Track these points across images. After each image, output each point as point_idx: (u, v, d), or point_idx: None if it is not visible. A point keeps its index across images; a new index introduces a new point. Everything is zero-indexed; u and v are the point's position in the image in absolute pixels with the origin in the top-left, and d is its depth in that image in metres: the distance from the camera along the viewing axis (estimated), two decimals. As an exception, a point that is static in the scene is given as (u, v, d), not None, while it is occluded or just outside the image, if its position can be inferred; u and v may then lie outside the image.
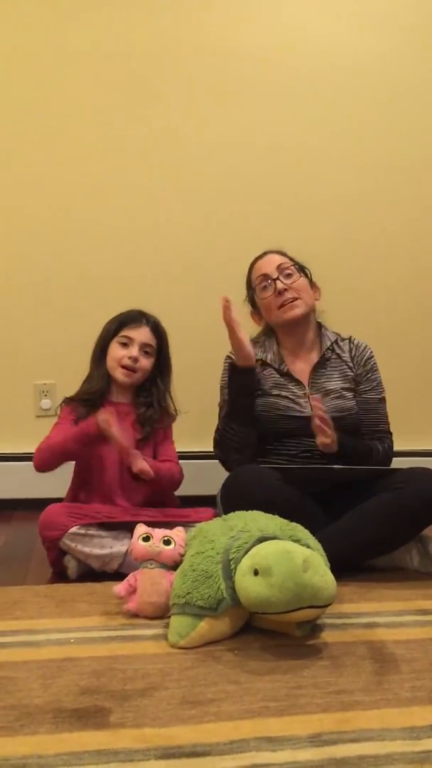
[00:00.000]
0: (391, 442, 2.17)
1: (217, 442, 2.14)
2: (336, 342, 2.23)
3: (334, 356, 2.21)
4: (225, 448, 2.12)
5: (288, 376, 2.16)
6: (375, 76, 2.83)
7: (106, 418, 1.94)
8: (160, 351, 2.17)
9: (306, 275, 2.20)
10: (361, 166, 2.84)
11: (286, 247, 2.24)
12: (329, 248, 2.77)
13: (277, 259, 2.18)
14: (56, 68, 2.70)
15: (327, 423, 1.95)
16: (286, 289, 2.14)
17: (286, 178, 2.80)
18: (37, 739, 1.10)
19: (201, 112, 2.75)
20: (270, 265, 2.17)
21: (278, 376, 2.16)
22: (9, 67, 2.69)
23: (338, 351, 2.21)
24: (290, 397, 2.12)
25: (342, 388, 2.15)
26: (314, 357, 2.20)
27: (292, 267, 2.17)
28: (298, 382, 2.15)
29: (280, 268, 2.16)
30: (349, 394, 2.14)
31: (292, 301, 2.14)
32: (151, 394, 2.16)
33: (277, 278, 2.14)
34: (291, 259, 2.21)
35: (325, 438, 1.96)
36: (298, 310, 2.15)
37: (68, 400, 2.16)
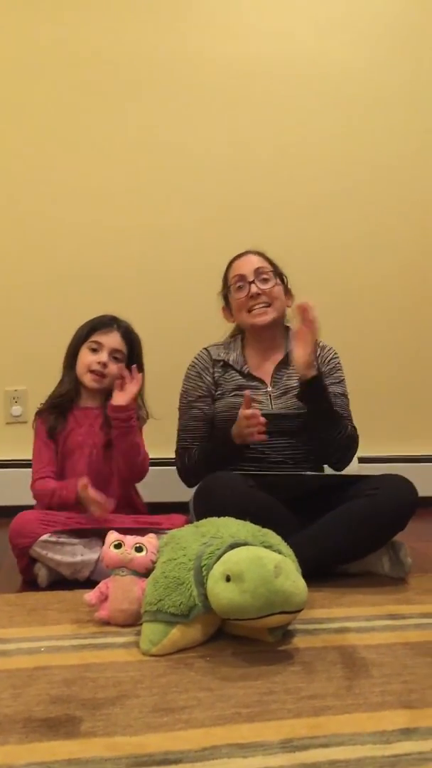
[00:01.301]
0: (356, 431, 2.15)
1: (182, 462, 2.15)
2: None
3: None
4: (186, 472, 2.15)
5: (249, 376, 2.17)
6: (364, 83, 2.86)
7: (84, 483, 1.92)
8: (131, 357, 2.17)
9: (282, 282, 2.22)
10: (350, 170, 2.86)
11: (273, 251, 2.24)
12: (316, 252, 2.78)
13: (256, 262, 2.19)
14: (52, 75, 2.69)
15: (313, 332, 1.94)
16: (260, 294, 2.15)
17: (275, 183, 2.81)
18: (7, 749, 1.09)
19: (193, 118, 2.76)
20: (248, 266, 2.18)
21: (240, 377, 2.17)
22: (5, 71, 2.67)
23: None
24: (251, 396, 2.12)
25: None
26: (278, 356, 2.22)
27: (270, 272, 2.18)
28: (260, 381, 2.16)
29: (257, 272, 2.16)
30: None
31: (263, 307, 2.15)
32: None
33: (253, 281, 2.15)
34: (270, 262, 2.21)
35: (304, 351, 1.96)
36: (268, 317, 2.16)
37: (40, 412, 2.14)
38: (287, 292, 2.23)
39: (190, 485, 2.15)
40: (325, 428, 2.06)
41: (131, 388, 2.03)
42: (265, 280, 2.17)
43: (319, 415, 2.04)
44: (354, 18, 2.85)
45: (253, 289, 2.15)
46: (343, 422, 2.10)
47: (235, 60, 2.76)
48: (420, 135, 2.90)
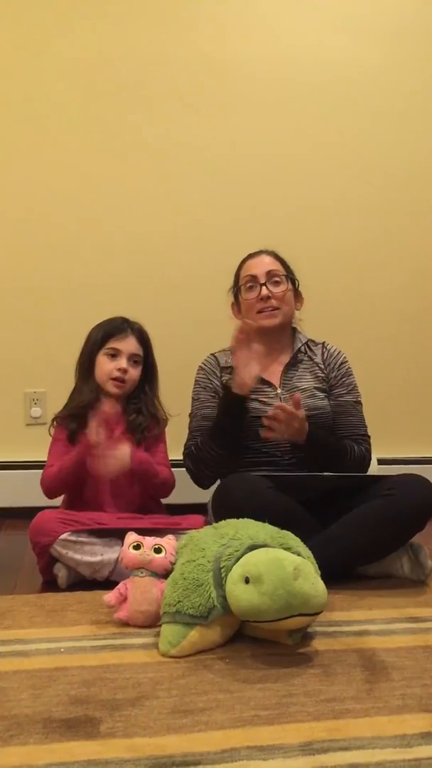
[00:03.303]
0: (369, 446, 2.15)
1: (189, 455, 2.12)
2: (307, 344, 2.24)
3: (305, 358, 2.22)
4: (197, 462, 2.10)
5: (259, 380, 2.16)
6: (370, 85, 2.85)
7: (95, 426, 1.94)
8: (146, 358, 2.17)
9: (293, 284, 2.21)
10: (356, 174, 2.86)
11: (284, 253, 2.24)
12: (322, 256, 2.78)
13: (269, 264, 2.18)
14: (54, 79, 2.70)
15: (279, 417, 1.92)
16: (269, 297, 2.14)
17: (280, 186, 2.81)
18: (27, 750, 1.09)
19: (196, 121, 2.76)
20: (261, 267, 2.17)
21: None
22: (6, 74, 2.69)
23: (310, 354, 2.22)
24: (261, 399, 2.11)
25: (314, 388, 2.16)
26: (285, 358, 2.21)
27: (282, 276, 2.17)
28: (269, 384, 2.16)
29: (269, 274, 2.16)
30: (321, 394, 2.15)
31: (272, 310, 2.15)
32: (139, 401, 2.16)
33: (264, 284, 2.15)
34: (283, 263, 2.21)
35: (267, 432, 1.95)
36: (276, 320, 2.15)
37: (59, 419, 2.14)
38: (297, 295, 2.23)
39: (200, 481, 2.12)
40: (330, 464, 2.05)
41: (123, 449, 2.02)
42: (277, 283, 2.16)
43: (322, 460, 2.04)
44: (364, 17, 2.83)
45: (264, 291, 2.14)
46: (349, 450, 2.09)
47: (241, 68, 2.77)
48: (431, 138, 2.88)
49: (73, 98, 2.72)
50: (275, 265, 2.19)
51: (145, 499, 2.12)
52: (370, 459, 2.15)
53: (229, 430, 2.04)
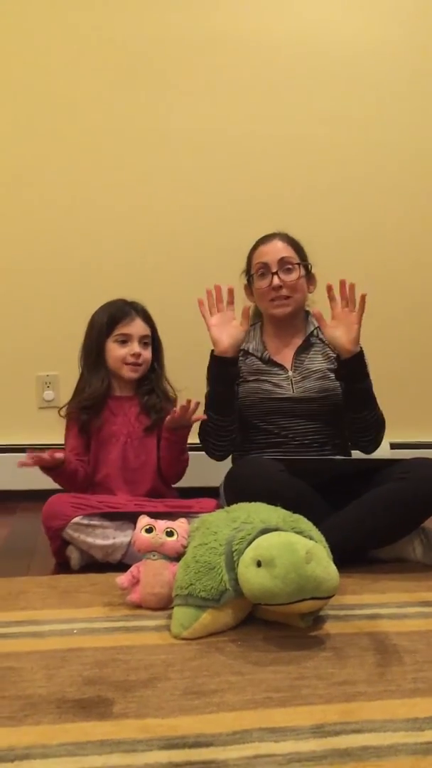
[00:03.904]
0: (383, 414, 2.13)
1: (199, 430, 2.15)
2: (319, 328, 2.22)
3: (317, 341, 2.21)
4: (202, 434, 2.13)
5: (270, 362, 2.16)
6: (378, 65, 2.81)
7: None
8: (152, 337, 2.17)
9: (307, 269, 2.19)
10: (363, 155, 2.83)
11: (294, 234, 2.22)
12: (329, 238, 2.74)
13: (282, 250, 2.16)
14: (58, 55, 2.69)
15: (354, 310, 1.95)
16: (281, 286, 2.13)
17: (286, 167, 2.79)
18: (40, 729, 1.10)
19: (202, 100, 2.74)
20: (273, 254, 2.15)
21: (261, 363, 2.17)
22: (11, 54, 2.67)
23: (321, 336, 2.21)
24: (272, 381, 2.13)
25: (326, 369, 2.15)
26: (297, 341, 2.20)
27: (295, 264, 2.15)
28: (281, 367, 2.16)
29: (281, 262, 2.13)
30: (333, 375, 2.14)
31: (284, 299, 2.14)
32: (150, 381, 2.16)
33: (276, 272, 2.13)
34: (296, 247, 2.18)
35: (347, 330, 1.96)
36: (288, 308, 2.15)
37: (69, 412, 2.13)
38: (311, 278, 2.21)
39: (211, 452, 2.14)
40: (361, 408, 2.04)
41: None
42: (289, 271, 2.14)
43: (358, 394, 2.03)
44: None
45: (275, 281, 2.12)
46: (376, 403, 2.08)
47: (247, 47, 2.74)
48: None
49: (74, 75, 2.70)
50: (287, 252, 2.16)
51: (157, 483, 2.13)
52: (384, 428, 2.13)
53: (222, 396, 2.06)
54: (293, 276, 2.14)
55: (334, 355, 2.17)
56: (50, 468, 1.98)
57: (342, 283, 1.98)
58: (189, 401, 2.00)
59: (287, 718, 1.13)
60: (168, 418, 2.04)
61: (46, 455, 1.92)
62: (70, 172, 2.72)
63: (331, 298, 2.01)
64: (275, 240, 2.19)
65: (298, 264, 2.15)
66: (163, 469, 2.13)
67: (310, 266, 2.20)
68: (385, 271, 2.84)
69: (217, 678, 1.27)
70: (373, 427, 2.08)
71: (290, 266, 2.14)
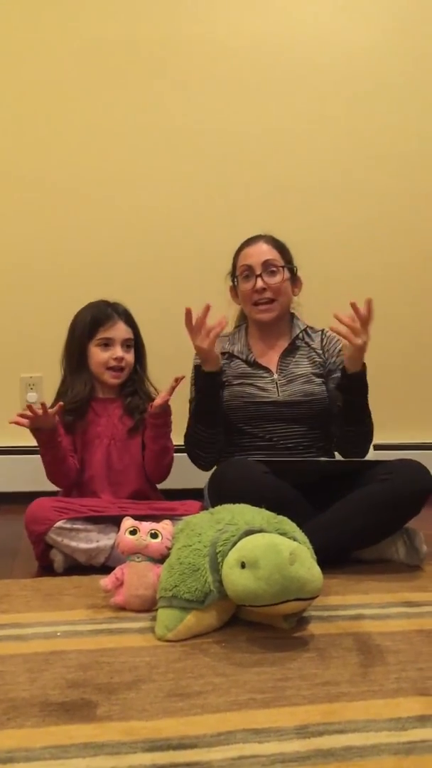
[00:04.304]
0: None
1: (186, 438, 2.14)
2: (305, 331, 2.23)
3: (303, 344, 2.21)
4: (189, 444, 2.13)
5: (256, 365, 2.16)
6: (370, 65, 2.82)
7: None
8: (135, 339, 2.16)
9: (292, 272, 2.19)
10: (355, 154, 2.83)
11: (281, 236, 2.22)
12: (321, 238, 2.76)
13: (266, 252, 2.15)
14: (58, 55, 2.68)
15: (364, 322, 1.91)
16: (265, 289, 2.13)
17: (278, 167, 2.79)
18: (23, 733, 1.10)
19: (197, 100, 2.74)
20: (257, 256, 2.15)
21: (246, 366, 2.17)
22: (11, 54, 2.67)
23: (307, 340, 2.22)
24: (257, 384, 2.13)
25: (311, 373, 2.15)
26: (283, 344, 2.21)
27: (279, 267, 2.14)
28: (266, 370, 2.16)
29: (265, 264, 2.13)
30: (318, 380, 2.15)
31: (267, 303, 2.14)
32: (133, 383, 2.16)
33: (260, 275, 2.13)
34: (281, 249, 2.18)
35: (355, 339, 1.92)
36: (272, 314, 2.15)
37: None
38: (296, 281, 2.21)
39: (198, 463, 2.14)
40: (352, 422, 2.05)
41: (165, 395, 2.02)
42: (273, 273, 2.14)
43: (355, 407, 2.03)
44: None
45: (259, 283, 2.12)
46: (370, 418, 2.09)
47: (243, 46, 2.74)
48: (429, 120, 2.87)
49: (71, 74, 2.69)
50: (272, 254, 2.16)
51: (142, 485, 2.12)
52: (371, 443, 2.15)
53: (210, 408, 2.06)
54: (277, 279, 2.14)
55: (321, 360, 2.18)
56: (42, 430, 1.95)
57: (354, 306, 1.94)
58: (176, 380, 2.00)
59: (271, 719, 1.13)
60: (156, 402, 2.02)
61: (38, 409, 1.89)
62: (60, 175, 2.70)
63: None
64: (260, 242, 2.18)
65: (283, 267, 2.15)
66: (148, 465, 2.11)
67: (294, 269, 2.20)
68: (371, 273, 2.85)
69: (201, 680, 1.27)
70: (361, 441, 2.10)
71: (274, 269, 2.14)
